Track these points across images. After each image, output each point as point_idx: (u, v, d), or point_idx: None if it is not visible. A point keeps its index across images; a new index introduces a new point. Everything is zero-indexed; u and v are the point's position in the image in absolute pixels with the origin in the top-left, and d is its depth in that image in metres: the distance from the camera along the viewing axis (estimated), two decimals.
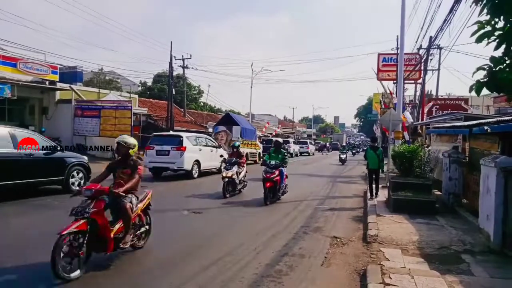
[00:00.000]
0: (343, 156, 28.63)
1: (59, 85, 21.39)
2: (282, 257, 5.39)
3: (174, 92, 29.50)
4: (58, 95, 22.11)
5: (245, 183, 11.93)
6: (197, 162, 15.32)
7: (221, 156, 16.72)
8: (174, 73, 30.90)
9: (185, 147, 14.70)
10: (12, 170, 8.92)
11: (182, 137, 15.20)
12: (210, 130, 31.66)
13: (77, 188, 9.47)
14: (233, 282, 4.39)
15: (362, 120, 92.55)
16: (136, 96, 30.84)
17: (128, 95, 28.17)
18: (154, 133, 17.02)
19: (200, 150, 15.89)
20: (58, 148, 10.34)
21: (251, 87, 41.85)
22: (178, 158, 14.48)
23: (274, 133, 42.71)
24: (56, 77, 21.33)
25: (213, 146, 17.47)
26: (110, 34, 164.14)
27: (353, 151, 48.41)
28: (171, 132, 18.82)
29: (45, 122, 21.60)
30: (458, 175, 9.17)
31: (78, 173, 10.68)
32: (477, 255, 5.50)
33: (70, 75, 25.97)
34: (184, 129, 30.43)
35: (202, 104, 50.41)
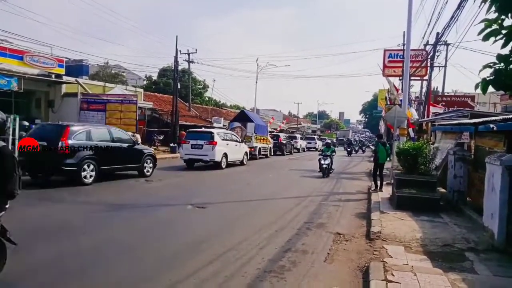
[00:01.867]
0: (325, 163, 15.62)
1: (65, 78, 21.48)
2: (285, 252, 5.41)
3: (179, 87, 29.50)
4: (64, 88, 22.21)
5: None
6: (225, 155, 17.52)
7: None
8: (180, 68, 30.90)
9: (216, 142, 16.90)
10: (112, 158, 11.81)
11: (213, 133, 17.57)
12: (215, 124, 31.96)
13: (148, 174, 13.18)
14: (236, 277, 4.42)
15: (367, 116, 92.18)
16: (142, 90, 30.91)
17: (133, 89, 28.23)
18: (189, 130, 19.53)
19: (227, 144, 18.11)
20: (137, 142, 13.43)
21: (256, 82, 41.54)
22: (210, 151, 16.70)
23: (278, 128, 42.69)
24: (62, 70, 21.43)
25: (237, 141, 19.71)
26: (115, 28, 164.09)
27: (348, 150, 36.49)
28: (203, 129, 20.96)
29: (51, 115, 21.72)
30: (463, 173, 9.13)
31: (149, 162, 13.44)
32: (481, 253, 5.50)
33: (76, 69, 26.07)
34: (189, 123, 30.55)
35: (207, 98, 50.40)
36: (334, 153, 16.88)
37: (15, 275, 4.14)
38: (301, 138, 41.10)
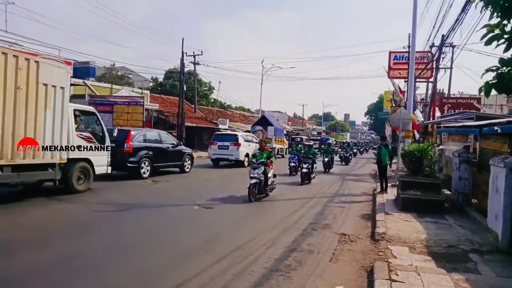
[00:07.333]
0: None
1: (72, 80, 21.65)
2: (291, 252, 5.51)
3: (185, 88, 29.71)
4: (72, 90, 22.43)
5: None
6: (247, 155, 19.35)
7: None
8: (186, 69, 31.09)
9: (240, 143, 19.30)
10: (161, 156, 13.98)
11: (237, 135, 20.13)
12: (220, 126, 32.40)
13: (187, 171, 15.63)
14: (243, 276, 4.52)
15: (373, 118, 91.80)
16: (148, 92, 31.16)
17: (140, 91, 28.46)
18: (216, 132, 22.06)
19: (249, 145, 20.18)
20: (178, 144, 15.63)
21: (261, 84, 41.71)
22: (235, 151, 19.13)
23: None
24: (70, 73, 21.63)
25: (258, 142, 21.07)
26: (122, 30, 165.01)
27: (345, 155, 25.66)
28: (229, 132, 24.37)
29: None
30: (468, 175, 9.17)
31: (188, 160, 15.70)
32: (485, 255, 5.55)
33: (83, 70, 26.39)
34: (194, 125, 30.73)
35: (212, 100, 50.57)
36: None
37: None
38: None
